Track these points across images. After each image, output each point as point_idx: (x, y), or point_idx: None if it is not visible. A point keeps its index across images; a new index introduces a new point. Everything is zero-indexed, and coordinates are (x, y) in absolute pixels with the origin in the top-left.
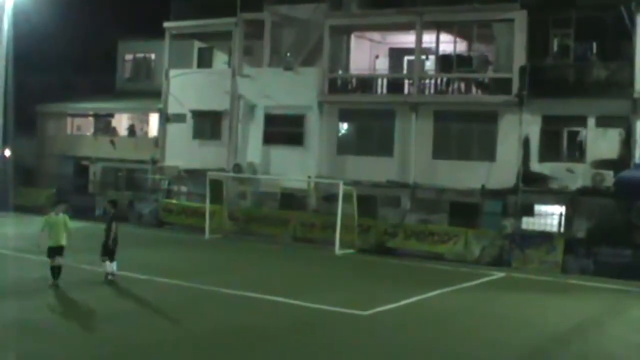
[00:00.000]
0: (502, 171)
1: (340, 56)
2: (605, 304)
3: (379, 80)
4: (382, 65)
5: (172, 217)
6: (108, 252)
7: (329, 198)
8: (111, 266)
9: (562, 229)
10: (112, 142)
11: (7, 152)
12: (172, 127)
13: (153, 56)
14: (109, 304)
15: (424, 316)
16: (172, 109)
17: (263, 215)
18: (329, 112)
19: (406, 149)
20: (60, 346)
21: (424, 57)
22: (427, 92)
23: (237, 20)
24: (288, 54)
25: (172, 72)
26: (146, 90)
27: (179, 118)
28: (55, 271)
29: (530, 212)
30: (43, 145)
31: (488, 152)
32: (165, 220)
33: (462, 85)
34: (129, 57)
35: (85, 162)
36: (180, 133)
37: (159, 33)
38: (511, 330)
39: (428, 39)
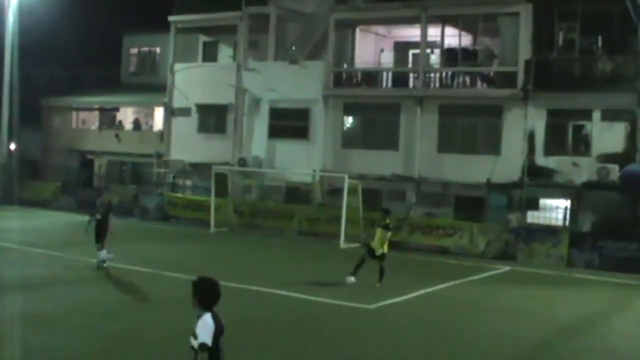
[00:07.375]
0: (507, 165)
1: (346, 50)
2: (610, 298)
3: (384, 74)
4: (387, 59)
5: (178, 210)
6: None
7: (334, 192)
8: None
9: (567, 223)
10: (117, 136)
11: (13, 146)
12: (177, 121)
13: (158, 50)
14: (115, 297)
15: (429, 310)
16: (177, 102)
17: (268, 209)
18: (334, 106)
19: (411, 142)
20: (66, 340)
21: (429, 50)
22: (432, 85)
23: (242, 14)
24: (293, 48)
25: (177, 66)
26: (151, 84)
27: (184, 112)
28: None
29: (535, 206)
30: (48, 139)
31: (493, 146)
32: (170, 214)
33: (467, 79)
34: (134, 50)
35: (90, 156)
36: (186, 127)
37: (164, 27)
38: (517, 323)
39: (433, 32)
